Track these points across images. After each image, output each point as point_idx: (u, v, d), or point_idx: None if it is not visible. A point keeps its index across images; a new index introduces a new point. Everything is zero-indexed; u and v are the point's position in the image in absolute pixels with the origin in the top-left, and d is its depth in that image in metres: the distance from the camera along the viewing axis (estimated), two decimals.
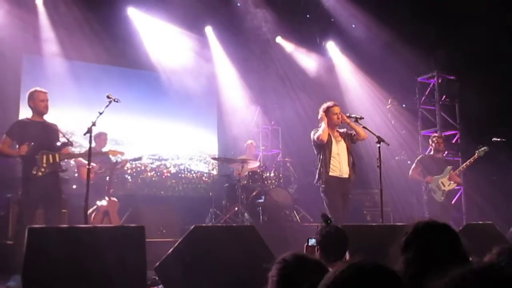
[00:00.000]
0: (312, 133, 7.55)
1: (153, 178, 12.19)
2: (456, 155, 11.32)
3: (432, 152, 9.87)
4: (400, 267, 2.35)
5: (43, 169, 6.89)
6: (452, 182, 9.54)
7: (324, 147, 7.38)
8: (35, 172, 6.83)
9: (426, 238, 2.42)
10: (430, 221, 2.53)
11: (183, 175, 12.75)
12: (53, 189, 7.04)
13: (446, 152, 10.90)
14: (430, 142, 9.99)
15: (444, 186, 9.50)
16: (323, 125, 7.37)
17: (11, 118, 8.80)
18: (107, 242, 4.56)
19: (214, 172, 12.67)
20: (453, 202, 11.23)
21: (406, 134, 11.60)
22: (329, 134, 7.40)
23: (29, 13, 10.26)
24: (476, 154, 9.57)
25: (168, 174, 12.47)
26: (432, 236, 2.43)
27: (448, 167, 9.68)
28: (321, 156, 7.43)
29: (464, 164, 9.89)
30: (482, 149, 9.56)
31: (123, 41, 11.41)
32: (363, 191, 10.79)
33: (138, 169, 11.97)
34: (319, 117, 7.55)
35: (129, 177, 10.80)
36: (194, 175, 12.85)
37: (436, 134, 10.38)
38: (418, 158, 9.90)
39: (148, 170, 12.00)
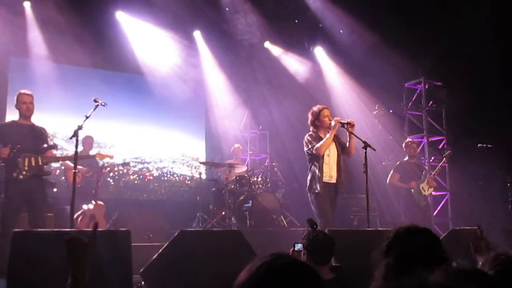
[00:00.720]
0: (306, 139, 7.45)
1: (136, 182, 12.15)
2: (442, 161, 11.39)
3: (406, 158, 9.97)
4: (381, 272, 2.34)
5: (24, 172, 6.83)
6: (430, 186, 9.76)
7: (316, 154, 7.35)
8: (15, 175, 6.79)
9: (406, 243, 2.41)
10: (411, 226, 2.53)
11: (166, 178, 12.72)
12: (36, 192, 6.98)
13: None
14: (404, 147, 10.08)
15: (424, 190, 9.72)
16: (328, 138, 7.26)
17: None
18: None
19: (197, 175, 12.63)
20: (438, 208, 11.36)
21: (393, 139, 11.64)
22: (321, 138, 7.38)
23: (17, 15, 10.22)
24: (444, 158, 10.00)
25: (151, 178, 12.43)
26: (412, 241, 2.43)
27: (424, 171, 9.92)
28: (314, 162, 7.37)
29: (437, 168, 10.17)
30: (447, 152, 10.18)
31: (111, 45, 11.39)
32: (350, 195, 10.81)
33: (121, 172, 11.92)
34: (309, 122, 7.50)
35: (111, 180, 10.74)
36: (177, 178, 12.82)
37: (410, 139, 10.44)
38: (395, 165, 10.01)
39: (130, 173, 11.94)
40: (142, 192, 12.27)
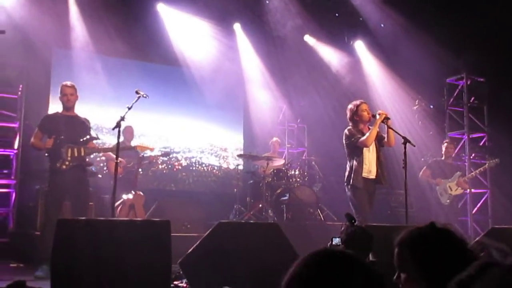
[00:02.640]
0: (347, 133, 7.39)
1: (164, 171, 12.22)
2: (483, 158, 11.21)
3: (443, 158, 10.07)
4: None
5: (67, 163, 6.99)
6: (459, 187, 9.78)
7: (358, 147, 7.31)
8: (59, 165, 6.95)
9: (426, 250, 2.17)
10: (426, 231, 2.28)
11: (194, 168, 12.74)
12: (78, 182, 7.15)
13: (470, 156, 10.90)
14: (442, 147, 10.27)
15: (451, 190, 9.76)
16: (373, 130, 7.19)
17: (41, 112, 8.96)
18: (133, 236, 4.63)
19: (225, 165, 12.73)
20: (478, 205, 11.20)
21: (433, 135, 11.51)
22: (362, 132, 7.33)
23: (60, 5, 10.37)
24: (487, 165, 9.99)
25: (179, 167, 12.49)
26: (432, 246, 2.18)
27: (457, 172, 9.94)
28: (355, 156, 7.31)
29: (473, 172, 10.15)
30: (493, 161, 10.10)
31: (151, 37, 11.48)
32: (388, 191, 10.75)
33: (163, 162, 12.04)
34: (348, 118, 7.45)
35: (140, 170, 10.78)
36: (205, 168, 12.86)
37: (447, 141, 10.59)
38: (430, 161, 10.27)
39: (159, 163, 11.92)
40: (169, 182, 12.31)
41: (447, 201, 9.77)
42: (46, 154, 7.14)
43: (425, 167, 10.11)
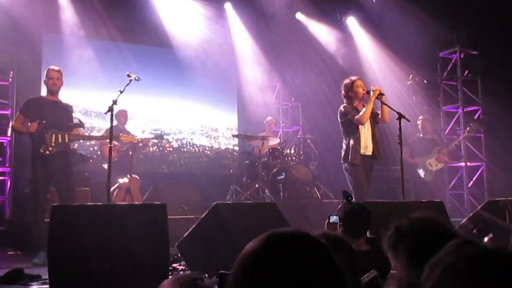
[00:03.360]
0: (342, 110, 7.34)
1: (155, 154, 12.14)
2: (478, 131, 11.20)
3: (420, 134, 10.08)
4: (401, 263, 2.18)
5: (50, 148, 6.88)
6: (439, 162, 9.80)
7: (354, 124, 7.27)
8: (42, 151, 6.84)
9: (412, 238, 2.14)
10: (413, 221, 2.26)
11: (185, 149, 12.67)
12: (62, 168, 7.03)
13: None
14: (418, 124, 10.30)
15: (431, 166, 9.78)
16: (368, 107, 7.13)
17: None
18: (130, 220, 4.61)
19: (216, 145, 12.72)
20: (474, 179, 11.23)
21: (427, 110, 11.49)
22: (356, 109, 7.30)
23: None
24: (466, 132, 9.96)
25: (171, 149, 12.41)
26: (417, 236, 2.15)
27: (436, 147, 9.92)
28: (351, 134, 7.26)
29: (453, 143, 10.17)
30: (471, 127, 10.05)
31: (141, 19, 11.37)
32: (384, 167, 10.74)
33: (158, 145, 11.99)
34: (342, 95, 7.40)
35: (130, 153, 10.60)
36: (196, 149, 12.80)
37: (421, 117, 10.66)
38: (408, 141, 10.17)
39: (150, 145, 11.80)
40: (161, 164, 12.23)
41: (430, 178, 9.82)
42: (29, 139, 7.05)
43: (405, 147, 9.96)
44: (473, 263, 1.04)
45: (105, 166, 9.41)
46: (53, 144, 6.91)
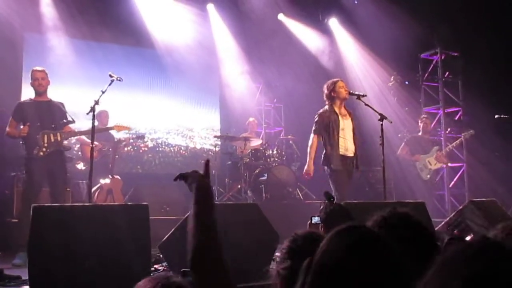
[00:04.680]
0: (316, 117, 7.41)
1: (131, 154, 12.03)
2: (458, 132, 11.29)
3: (420, 133, 10.18)
4: None
5: (44, 149, 6.94)
6: (438, 162, 9.93)
7: (331, 126, 7.29)
8: (36, 152, 6.90)
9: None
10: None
11: (160, 149, 12.60)
12: (57, 168, 7.09)
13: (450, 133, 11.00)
14: (419, 123, 10.30)
15: (430, 165, 9.89)
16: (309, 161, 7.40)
17: (13, 98, 8.82)
18: (111, 220, 4.59)
19: (192, 145, 12.68)
20: (455, 179, 11.34)
21: (409, 111, 11.56)
22: (335, 112, 7.33)
23: None
24: (463, 137, 10.09)
25: (146, 149, 12.31)
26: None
27: (435, 147, 10.07)
28: (328, 136, 7.30)
29: (450, 145, 10.27)
30: (469, 132, 10.24)
31: (124, 19, 11.32)
32: (366, 168, 10.78)
33: (138, 145, 11.87)
34: (325, 97, 7.45)
35: (116, 156, 10.43)
36: (171, 148, 12.73)
37: (424, 115, 10.73)
38: (407, 138, 10.33)
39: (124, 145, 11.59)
40: (136, 164, 12.10)
41: (428, 176, 9.93)
42: (22, 142, 7.06)
43: (403, 144, 10.18)
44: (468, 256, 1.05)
45: (79, 166, 9.40)
46: (46, 144, 6.95)
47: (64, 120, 7.20)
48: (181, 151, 12.85)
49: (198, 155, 12.84)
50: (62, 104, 7.39)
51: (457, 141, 10.40)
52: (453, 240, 2.62)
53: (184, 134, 12.90)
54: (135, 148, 12.04)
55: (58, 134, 7.08)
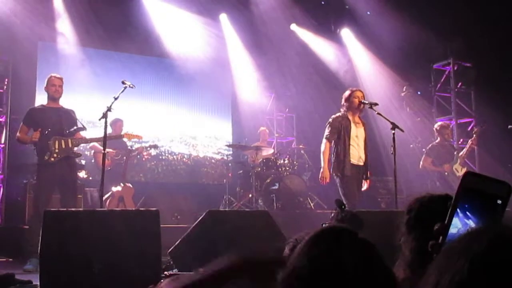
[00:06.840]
0: (327, 123, 7.40)
1: (134, 161, 11.87)
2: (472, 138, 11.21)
3: (438, 140, 9.83)
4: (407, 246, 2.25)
5: (55, 155, 6.97)
6: (463, 167, 9.68)
7: (342, 131, 7.26)
8: (47, 158, 6.94)
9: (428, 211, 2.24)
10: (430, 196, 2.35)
11: (163, 157, 12.53)
12: (67, 174, 7.13)
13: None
14: (436, 131, 9.95)
15: (458, 172, 9.57)
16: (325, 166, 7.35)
17: (27, 105, 8.88)
18: (122, 226, 4.60)
19: (195, 153, 12.67)
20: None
21: (421, 121, 11.52)
22: (348, 119, 7.32)
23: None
24: (474, 135, 9.78)
25: (148, 157, 12.22)
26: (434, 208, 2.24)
27: (456, 152, 9.79)
28: (340, 143, 7.27)
29: (466, 148, 9.95)
30: (477, 129, 10.01)
31: (137, 29, 11.39)
32: (378, 178, 10.75)
33: (152, 154, 11.85)
34: (341, 104, 7.46)
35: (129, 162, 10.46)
36: (174, 156, 12.67)
37: (443, 123, 10.45)
38: (427, 148, 9.87)
39: (145, 154, 11.45)
40: (138, 172, 11.98)
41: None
42: (33, 148, 7.11)
43: (424, 155, 9.74)
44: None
45: (81, 174, 9.41)
46: (57, 150, 7.00)
47: (75, 127, 7.25)
48: (184, 159, 12.82)
49: (201, 163, 12.82)
50: (73, 111, 7.46)
51: (471, 140, 10.03)
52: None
53: (188, 142, 12.87)
54: (138, 156, 11.98)
55: (69, 140, 7.12)
